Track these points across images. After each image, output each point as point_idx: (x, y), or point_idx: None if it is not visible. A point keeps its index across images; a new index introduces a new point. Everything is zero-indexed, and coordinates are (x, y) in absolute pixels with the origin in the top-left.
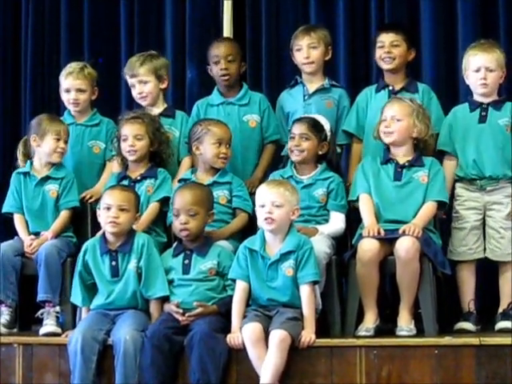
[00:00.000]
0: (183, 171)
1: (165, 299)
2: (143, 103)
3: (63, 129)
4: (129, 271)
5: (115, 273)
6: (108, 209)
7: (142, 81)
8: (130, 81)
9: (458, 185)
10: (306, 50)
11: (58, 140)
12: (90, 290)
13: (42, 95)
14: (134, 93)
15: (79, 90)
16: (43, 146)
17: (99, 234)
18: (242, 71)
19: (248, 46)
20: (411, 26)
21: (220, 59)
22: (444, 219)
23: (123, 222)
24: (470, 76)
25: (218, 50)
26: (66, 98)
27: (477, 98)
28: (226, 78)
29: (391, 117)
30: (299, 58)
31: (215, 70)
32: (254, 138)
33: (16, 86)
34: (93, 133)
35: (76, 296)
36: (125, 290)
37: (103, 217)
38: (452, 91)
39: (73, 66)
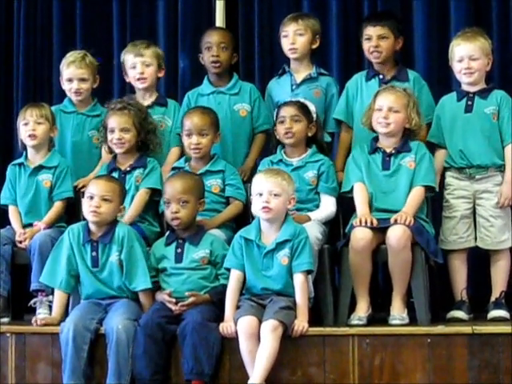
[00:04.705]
0: (171, 161)
1: (153, 289)
2: (141, 85)
3: (31, 113)
4: (111, 264)
5: (95, 263)
6: (91, 198)
7: (146, 62)
8: (133, 61)
9: (447, 174)
10: (292, 36)
11: (26, 124)
12: (74, 277)
13: (34, 85)
14: (133, 73)
15: (81, 80)
16: (20, 134)
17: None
18: (234, 62)
19: (240, 36)
20: (403, 15)
21: (212, 46)
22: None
23: (105, 212)
24: (455, 66)
25: (211, 37)
26: (68, 87)
27: (464, 87)
28: (217, 65)
29: (388, 107)
30: (285, 44)
31: (207, 57)
32: (244, 128)
33: (8, 75)
34: (93, 123)
35: (54, 277)
36: (110, 282)
37: (85, 206)
38: (444, 80)
39: (74, 54)
